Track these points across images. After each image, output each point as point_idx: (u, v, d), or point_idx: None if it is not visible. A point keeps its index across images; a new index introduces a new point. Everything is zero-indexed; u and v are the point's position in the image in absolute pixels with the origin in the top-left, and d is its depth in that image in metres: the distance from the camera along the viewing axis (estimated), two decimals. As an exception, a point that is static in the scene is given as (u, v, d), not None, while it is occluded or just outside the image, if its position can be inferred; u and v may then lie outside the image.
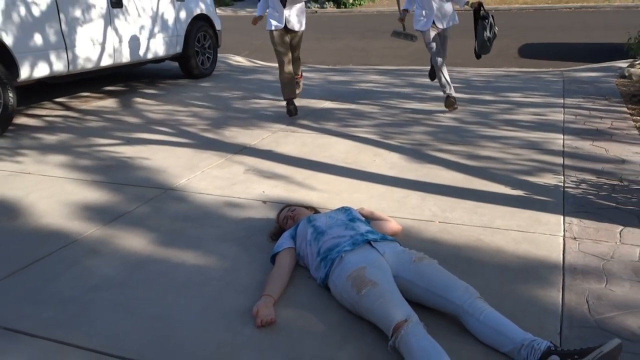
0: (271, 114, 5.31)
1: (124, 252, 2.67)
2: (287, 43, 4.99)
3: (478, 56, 4.98)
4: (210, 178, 3.64)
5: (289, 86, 5.06)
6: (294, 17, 4.90)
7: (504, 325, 1.87)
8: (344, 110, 5.44)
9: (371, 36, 11.69)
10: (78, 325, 2.11)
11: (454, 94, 5.08)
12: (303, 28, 5.06)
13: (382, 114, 5.21)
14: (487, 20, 4.68)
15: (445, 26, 4.86)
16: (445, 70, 4.99)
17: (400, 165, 3.78)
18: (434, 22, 4.79)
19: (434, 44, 4.90)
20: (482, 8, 4.69)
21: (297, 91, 5.38)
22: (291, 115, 5.09)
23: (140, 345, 1.98)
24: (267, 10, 4.96)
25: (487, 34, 4.68)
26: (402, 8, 5.11)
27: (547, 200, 3.09)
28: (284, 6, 4.81)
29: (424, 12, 4.82)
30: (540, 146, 4.05)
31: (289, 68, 5.01)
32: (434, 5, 4.73)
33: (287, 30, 4.94)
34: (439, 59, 4.94)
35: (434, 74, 5.32)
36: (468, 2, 4.60)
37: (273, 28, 4.88)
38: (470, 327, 1.94)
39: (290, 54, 5.04)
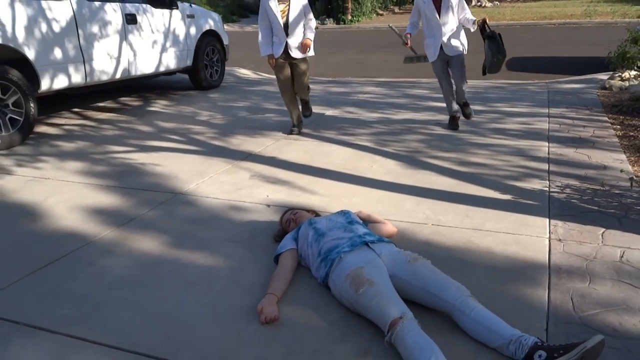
0: (275, 123, 5.31)
1: (137, 253, 2.66)
2: (288, 70, 4.56)
3: (484, 73, 4.53)
4: (218, 183, 3.64)
5: (291, 109, 4.81)
6: (297, 43, 4.43)
7: (494, 322, 1.87)
8: (343, 119, 5.43)
9: (369, 50, 11.71)
10: (93, 321, 2.10)
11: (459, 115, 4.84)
12: (307, 54, 4.50)
13: (379, 123, 5.20)
14: (494, 40, 4.27)
15: (452, 53, 4.42)
16: (451, 96, 4.68)
17: (396, 171, 3.77)
18: (442, 49, 4.41)
19: (440, 74, 4.59)
20: (486, 26, 4.30)
21: (307, 112, 4.97)
22: (290, 134, 4.80)
23: (152, 340, 1.98)
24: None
25: (497, 53, 4.28)
26: (405, 32, 4.58)
27: (534, 204, 3.09)
28: (287, 34, 4.38)
29: (431, 40, 4.46)
30: (527, 153, 4.05)
31: (289, 95, 4.70)
32: (442, 30, 4.33)
33: (288, 57, 4.48)
34: (448, 88, 4.64)
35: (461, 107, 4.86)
36: (475, 21, 4.25)
37: (273, 55, 4.47)
38: (462, 323, 1.93)
39: (290, 83, 4.61)
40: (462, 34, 4.49)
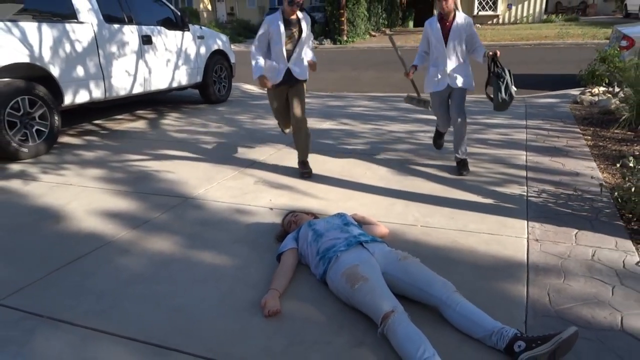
0: (277, 134, 5.30)
1: (151, 252, 2.65)
2: (284, 98, 3.83)
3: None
4: (225, 188, 3.63)
5: (283, 125, 4.10)
6: (297, 67, 3.69)
7: (477, 315, 1.86)
8: (339, 130, 5.44)
9: (363, 68, 11.74)
10: (111, 315, 2.09)
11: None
12: (306, 77, 3.76)
13: (372, 134, 5.21)
14: (502, 79, 3.45)
15: (457, 86, 3.60)
16: (443, 128, 3.94)
17: (388, 178, 3.77)
18: (446, 80, 3.60)
19: (437, 109, 3.80)
20: (496, 59, 3.49)
21: (306, 171, 3.84)
22: (303, 177, 3.80)
23: (164, 332, 1.97)
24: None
25: (503, 95, 3.44)
26: (412, 63, 3.74)
27: (513, 207, 3.09)
28: (289, 60, 3.65)
29: (434, 70, 3.64)
30: (506, 161, 4.05)
31: (284, 118, 3.97)
32: (447, 61, 3.55)
33: (285, 83, 3.70)
34: (443, 125, 3.89)
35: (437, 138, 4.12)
36: (486, 53, 3.47)
37: (270, 83, 3.63)
38: (448, 316, 1.92)
39: (286, 110, 3.88)
40: (469, 67, 3.66)
